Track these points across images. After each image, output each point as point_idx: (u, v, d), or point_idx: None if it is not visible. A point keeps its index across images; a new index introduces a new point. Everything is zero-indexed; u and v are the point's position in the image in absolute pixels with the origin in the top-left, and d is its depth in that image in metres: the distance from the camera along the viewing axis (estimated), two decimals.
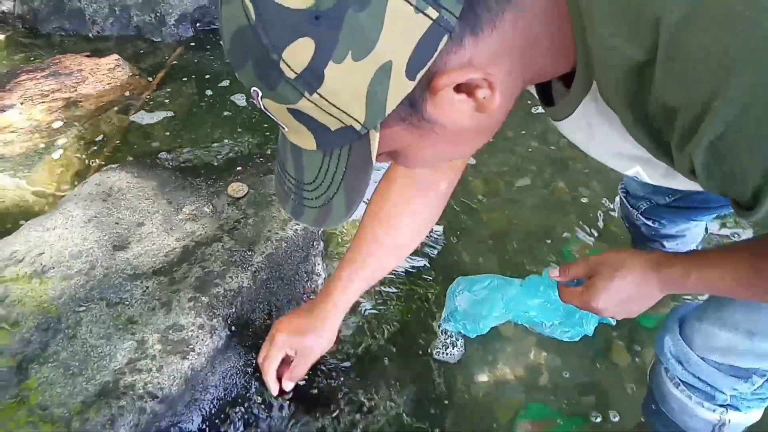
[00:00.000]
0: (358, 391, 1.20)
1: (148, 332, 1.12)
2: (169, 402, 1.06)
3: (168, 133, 1.81)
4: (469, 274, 1.36)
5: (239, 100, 1.96)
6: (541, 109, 1.45)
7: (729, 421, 0.96)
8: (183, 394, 1.09)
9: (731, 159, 0.45)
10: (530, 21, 0.49)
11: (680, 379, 0.97)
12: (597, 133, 0.62)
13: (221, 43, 2.08)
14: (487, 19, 0.47)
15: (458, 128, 0.53)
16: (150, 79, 2.03)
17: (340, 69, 0.45)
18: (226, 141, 1.76)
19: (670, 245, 1.34)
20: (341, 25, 0.43)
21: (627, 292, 0.80)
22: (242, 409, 1.16)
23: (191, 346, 1.11)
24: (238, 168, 1.61)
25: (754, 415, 0.99)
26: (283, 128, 0.53)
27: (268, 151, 1.72)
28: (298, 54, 0.45)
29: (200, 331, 1.14)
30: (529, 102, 1.83)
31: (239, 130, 1.82)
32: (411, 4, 0.43)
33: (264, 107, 0.51)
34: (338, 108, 0.47)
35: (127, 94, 1.94)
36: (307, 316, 1.03)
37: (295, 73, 0.45)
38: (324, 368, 1.23)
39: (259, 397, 1.17)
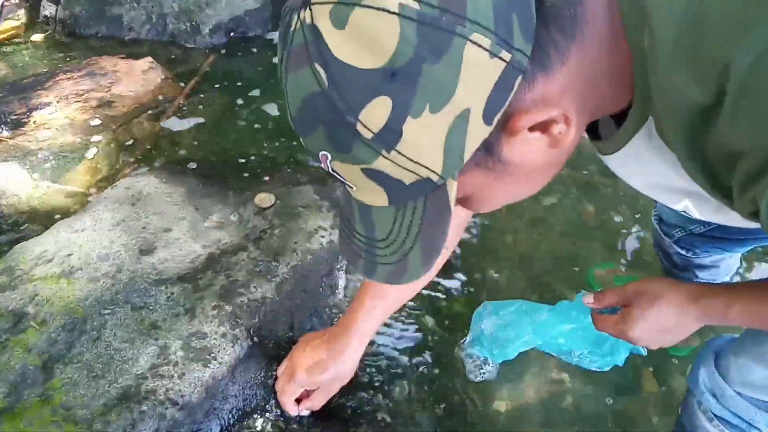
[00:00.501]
0: (379, 408, 1.19)
1: (171, 338, 1.12)
2: (189, 409, 1.06)
3: (198, 141, 1.82)
4: (492, 293, 1.34)
5: (270, 109, 1.97)
6: None
7: None
8: (203, 403, 1.08)
9: None
10: (594, 56, 0.49)
11: (714, 414, 0.94)
12: (647, 166, 0.62)
13: (255, 51, 2.08)
14: (556, 56, 0.47)
15: (532, 166, 0.53)
16: (182, 84, 2.06)
17: (419, 123, 0.44)
18: (254, 151, 1.77)
19: (703, 275, 1.31)
20: (417, 79, 0.42)
21: (664, 323, 0.79)
22: (261, 421, 1.15)
23: (213, 355, 1.11)
24: (265, 178, 1.61)
25: None
26: (351, 188, 0.52)
27: (296, 162, 1.73)
28: (375, 114, 0.44)
29: (223, 339, 1.13)
30: None
31: (268, 140, 1.83)
32: (486, 50, 0.43)
33: (333, 169, 0.50)
34: (415, 162, 0.47)
35: (160, 98, 1.97)
36: (329, 349, 1.02)
37: (372, 132, 0.45)
38: (347, 385, 1.22)
39: (278, 410, 1.16)
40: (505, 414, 1.22)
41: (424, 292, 1.42)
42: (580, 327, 1.15)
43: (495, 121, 0.46)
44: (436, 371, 1.27)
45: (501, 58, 0.43)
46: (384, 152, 0.46)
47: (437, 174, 0.48)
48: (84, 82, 1.94)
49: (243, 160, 1.73)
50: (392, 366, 1.27)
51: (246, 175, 1.65)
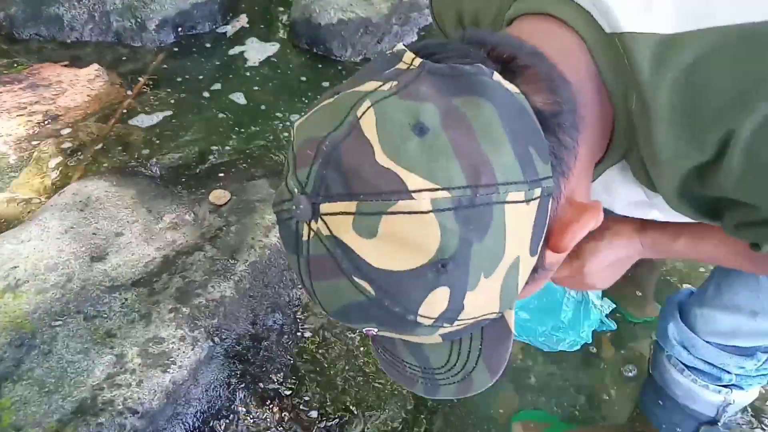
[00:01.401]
0: (344, 399, 1.17)
1: (128, 346, 1.09)
2: (150, 417, 1.03)
3: (149, 141, 1.77)
4: None
5: (222, 105, 1.92)
6: None
7: (733, 401, 0.98)
8: (164, 409, 1.05)
9: None
10: (591, 133, 0.52)
11: (685, 365, 0.98)
12: (617, 193, 0.67)
13: (206, 47, 2.03)
14: (569, 157, 0.48)
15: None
16: (132, 86, 1.99)
17: (477, 292, 0.43)
18: (208, 147, 1.73)
19: None
20: (469, 261, 0.41)
21: (613, 256, 0.78)
22: (227, 422, 1.13)
23: (172, 359, 1.08)
24: (220, 174, 1.58)
25: (754, 392, 1.01)
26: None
27: (251, 157, 1.69)
28: (434, 305, 0.42)
29: (181, 343, 1.10)
30: None
31: (220, 136, 1.79)
32: (522, 201, 0.42)
33: (382, 335, 0.49)
34: (476, 318, 0.46)
35: (107, 104, 1.90)
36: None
37: (434, 319, 0.43)
38: (309, 375, 1.20)
39: (243, 409, 1.14)
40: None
41: None
42: (541, 304, 1.16)
43: (539, 249, 0.47)
44: None
45: (535, 198, 0.43)
46: (446, 325, 0.45)
47: (495, 312, 0.47)
48: (26, 95, 1.86)
49: (196, 158, 1.69)
50: (351, 352, 1.26)
51: (199, 172, 1.61)
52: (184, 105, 1.92)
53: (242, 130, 1.82)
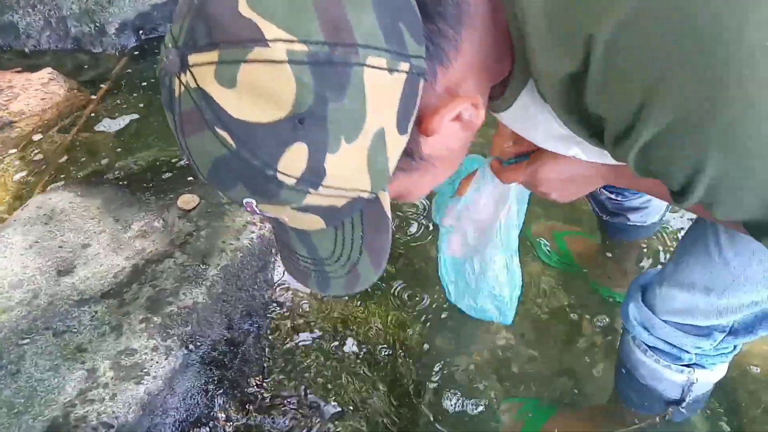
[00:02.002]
0: (324, 400, 1.17)
1: (99, 359, 1.06)
2: (126, 430, 1.01)
3: (114, 148, 1.74)
4: None
5: None
6: None
7: (696, 380, 1.00)
8: (141, 421, 1.03)
9: (660, 161, 0.49)
10: (483, 34, 0.51)
11: (647, 345, 0.99)
12: (536, 120, 0.64)
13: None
14: (449, 47, 0.48)
15: (451, 152, 0.55)
16: (93, 92, 1.95)
17: (338, 156, 0.44)
18: (175, 152, 1.70)
19: (634, 218, 1.34)
20: (326, 119, 0.42)
21: (572, 171, 0.78)
22: (207, 429, 1.11)
23: (145, 370, 1.06)
24: (188, 178, 1.55)
25: (719, 372, 1.02)
26: (283, 219, 0.51)
27: None
28: (293, 161, 0.43)
29: (154, 353, 1.08)
30: None
31: None
32: (384, 69, 0.43)
33: (262, 211, 0.49)
34: (344, 189, 0.47)
35: (66, 110, 1.85)
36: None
37: (296, 178, 0.44)
38: (288, 377, 1.19)
39: (223, 415, 1.13)
40: (458, 380, 1.22)
41: None
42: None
43: (409, 129, 0.47)
44: (389, 353, 1.26)
45: (401, 71, 0.44)
46: (311, 190, 0.45)
47: (368, 191, 0.48)
48: None
49: (163, 163, 1.66)
50: (330, 345, 1.25)
51: (166, 177, 1.57)
52: (150, 109, 1.89)
53: None
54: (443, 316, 1.32)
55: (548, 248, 1.48)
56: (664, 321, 0.93)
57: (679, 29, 0.41)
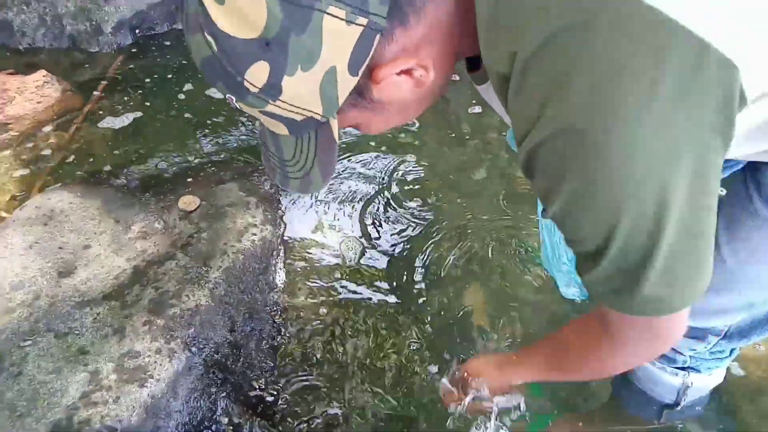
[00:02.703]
0: (327, 401, 1.17)
1: (102, 362, 1.06)
2: None
3: (113, 149, 1.72)
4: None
5: (185, 108, 1.88)
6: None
7: (692, 384, 1.01)
8: (144, 424, 1.03)
9: (542, 166, 0.57)
10: (450, 10, 0.58)
11: None
12: (495, 106, 0.71)
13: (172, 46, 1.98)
14: (412, 12, 0.55)
15: (403, 102, 0.63)
16: (91, 91, 1.93)
17: (294, 80, 0.54)
18: (174, 152, 1.69)
19: None
20: (287, 47, 0.52)
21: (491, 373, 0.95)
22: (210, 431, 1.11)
23: (149, 373, 1.06)
24: (188, 179, 1.54)
25: (716, 377, 1.03)
26: (259, 118, 0.61)
27: (218, 160, 1.66)
28: (256, 74, 0.54)
29: (158, 355, 1.08)
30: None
31: (189, 139, 1.75)
32: (342, 19, 0.51)
33: (239, 107, 0.59)
34: (298, 107, 0.57)
35: (61, 111, 1.83)
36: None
37: (258, 88, 0.55)
38: (291, 379, 1.19)
39: (225, 418, 1.13)
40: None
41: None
42: None
43: (360, 73, 0.56)
44: (392, 357, 1.26)
45: (357, 24, 0.52)
46: (270, 101, 0.56)
47: (320, 114, 0.58)
48: None
49: (163, 164, 1.65)
50: (335, 352, 1.25)
51: (167, 178, 1.57)
52: (149, 108, 1.87)
53: (207, 134, 1.78)
54: (445, 322, 1.33)
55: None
56: None
57: (576, 62, 0.50)
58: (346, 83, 0.56)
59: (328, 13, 0.51)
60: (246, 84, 0.54)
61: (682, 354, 0.97)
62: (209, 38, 0.53)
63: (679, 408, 1.06)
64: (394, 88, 0.60)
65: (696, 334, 0.93)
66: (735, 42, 0.49)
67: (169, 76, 2.02)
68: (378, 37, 0.54)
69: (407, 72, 0.59)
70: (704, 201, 0.54)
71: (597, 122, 0.51)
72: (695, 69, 0.49)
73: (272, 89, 0.54)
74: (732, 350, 0.99)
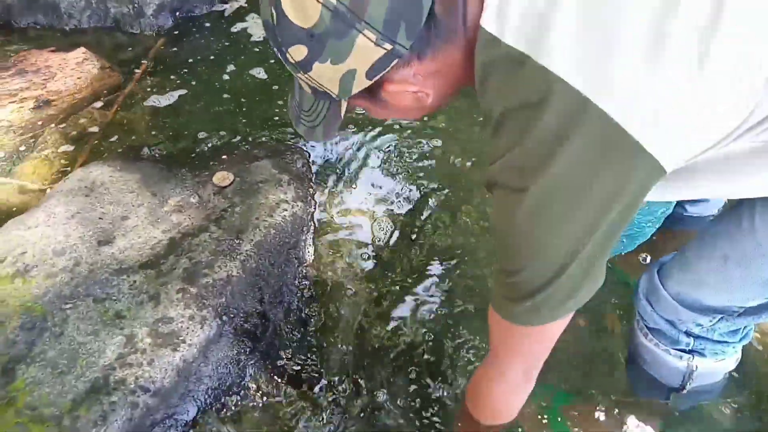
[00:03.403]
0: (351, 374, 1.19)
1: (137, 326, 1.10)
2: (163, 395, 1.05)
3: (152, 127, 1.77)
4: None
5: (222, 88, 1.92)
6: None
7: (696, 368, 1.04)
8: (176, 386, 1.07)
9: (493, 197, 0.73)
10: (457, 60, 0.72)
11: (648, 327, 1.04)
12: None
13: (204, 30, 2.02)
14: (430, 51, 0.70)
15: (403, 107, 0.77)
16: (132, 71, 1.99)
17: (323, 67, 0.69)
18: (210, 131, 1.73)
19: (693, 209, 1.35)
20: (326, 44, 0.66)
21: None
22: (238, 397, 1.14)
23: (182, 338, 1.09)
24: (223, 156, 1.58)
25: (726, 363, 1.05)
26: (296, 76, 0.76)
27: (252, 139, 1.69)
28: (296, 53, 0.69)
29: (190, 322, 1.12)
30: None
31: (224, 120, 1.79)
32: (372, 41, 0.65)
33: (287, 63, 0.74)
34: (321, 84, 0.72)
35: (100, 89, 1.89)
36: None
37: (295, 61, 0.70)
38: (317, 351, 1.22)
39: (254, 384, 1.16)
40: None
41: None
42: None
43: (374, 80, 0.70)
44: (422, 337, 1.27)
45: (383, 47, 0.66)
46: (301, 73, 0.72)
47: (335, 94, 0.73)
48: (15, 81, 1.85)
49: (200, 141, 1.69)
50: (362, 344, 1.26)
51: (203, 155, 1.61)
52: (193, 87, 1.92)
53: (242, 116, 1.81)
54: (465, 308, 1.33)
55: None
56: (669, 294, 0.96)
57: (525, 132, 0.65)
58: (361, 83, 0.70)
59: (362, 34, 0.65)
60: (287, 55, 0.69)
61: (685, 334, 0.99)
62: (273, 11, 0.67)
63: (685, 392, 1.09)
64: (398, 97, 0.74)
65: (702, 310, 0.94)
66: (666, 147, 0.61)
67: (212, 57, 2.05)
68: (396, 60, 0.68)
69: (412, 91, 0.73)
70: (610, 244, 0.69)
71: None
72: (628, 170, 0.62)
73: (305, 66, 0.69)
74: (741, 337, 1.00)
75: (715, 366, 1.05)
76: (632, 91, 0.59)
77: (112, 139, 1.73)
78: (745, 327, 1.00)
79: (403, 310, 1.31)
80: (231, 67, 2.00)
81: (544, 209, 0.65)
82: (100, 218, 1.31)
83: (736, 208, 0.87)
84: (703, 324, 0.96)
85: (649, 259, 1.39)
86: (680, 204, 1.34)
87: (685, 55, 0.59)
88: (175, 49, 2.12)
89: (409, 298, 1.33)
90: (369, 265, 1.40)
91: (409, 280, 1.37)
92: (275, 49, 0.71)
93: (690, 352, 1.02)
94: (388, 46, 0.65)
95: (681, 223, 1.38)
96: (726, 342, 1.00)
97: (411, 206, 1.54)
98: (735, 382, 1.15)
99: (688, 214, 1.35)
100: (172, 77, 1.97)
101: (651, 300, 1.01)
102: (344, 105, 0.76)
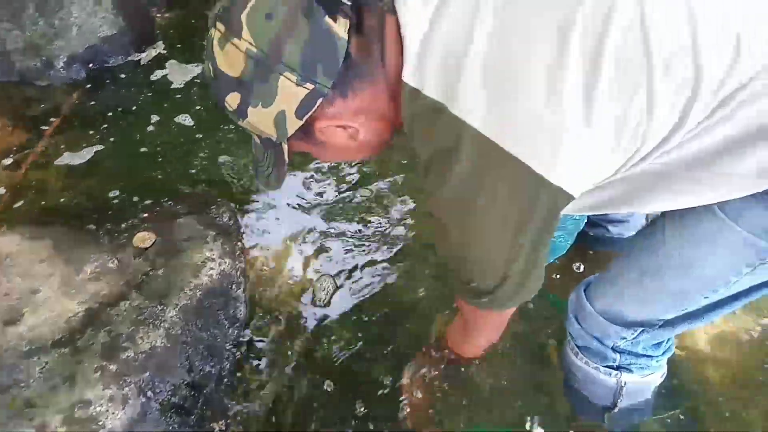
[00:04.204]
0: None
1: (50, 414, 1.01)
2: None
3: (65, 186, 1.67)
4: None
5: (142, 141, 1.84)
6: None
7: (625, 383, 1.07)
8: None
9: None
10: (382, 102, 0.78)
11: (578, 346, 1.08)
12: None
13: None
14: (351, 91, 0.75)
15: (342, 146, 0.82)
16: (41, 127, 1.88)
17: (256, 111, 0.76)
18: (129, 188, 1.64)
19: (614, 230, 1.37)
20: (252, 89, 0.74)
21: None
22: None
23: (101, 422, 1.01)
24: (144, 215, 1.50)
25: (652, 378, 1.08)
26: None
27: (175, 194, 1.61)
28: (232, 101, 0.76)
29: (110, 403, 1.03)
30: None
31: (144, 175, 1.71)
32: (293, 82, 0.72)
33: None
34: (261, 129, 0.79)
35: (7, 147, 1.78)
36: None
37: (233, 108, 0.77)
38: (253, 420, 1.15)
39: None
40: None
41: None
42: None
43: (305, 119, 0.76)
44: (353, 387, 1.23)
45: (305, 87, 0.73)
46: (240, 120, 0.78)
47: (275, 137, 0.79)
48: None
49: (116, 199, 1.60)
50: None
51: (120, 215, 1.52)
52: (108, 143, 1.83)
53: (167, 164, 1.74)
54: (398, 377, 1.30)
55: None
56: (595, 310, 0.99)
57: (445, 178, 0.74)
58: (293, 123, 0.76)
59: (283, 75, 0.72)
60: (226, 104, 0.77)
61: (611, 350, 1.02)
62: (210, 66, 0.76)
63: (617, 410, 1.12)
64: (330, 133, 0.79)
65: (625, 323, 0.97)
66: (569, 177, 0.70)
67: (134, 108, 1.97)
68: (321, 99, 0.74)
69: (342, 126, 0.78)
70: (539, 254, 0.80)
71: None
72: (534, 199, 0.72)
73: (241, 113, 0.76)
74: (664, 351, 1.04)
75: (642, 381, 1.08)
76: (533, 131, 0.68)
77: (22, 204, 1.62)
78: (668, 340, 1.04)
79: (346, 370, 1.26)
80: (155, 117, 1.92)
81: (471, 237, 0.79)
82: (5, 294, 1.21)
83: (651, 223, 0.91)
84: (627, 337, 0.99)
85: (582, 267, 1.41)
86: (603, 226, 1.38)
87: (575, 102, 0.67)
88: (93, 102, 2.03)
89: (350, 357, 1.29)
90: (307, 319, 1.35)
91: (352, 336, 1.33)
92: (218, 101, 0.77)
93: (618, 368, 1.05)
94: (310, 86, 0.72)
95: (605, 245, 1.42)
96: (649, 356, 1.04)
97: (352, 256, 1.50)
98: (665, 398, 1.18)
99: (610, 235, 1.39)
100: (91, 132, 1.87)
101: (579, 317, 1.04)
102: (286, 148, 0.81)
